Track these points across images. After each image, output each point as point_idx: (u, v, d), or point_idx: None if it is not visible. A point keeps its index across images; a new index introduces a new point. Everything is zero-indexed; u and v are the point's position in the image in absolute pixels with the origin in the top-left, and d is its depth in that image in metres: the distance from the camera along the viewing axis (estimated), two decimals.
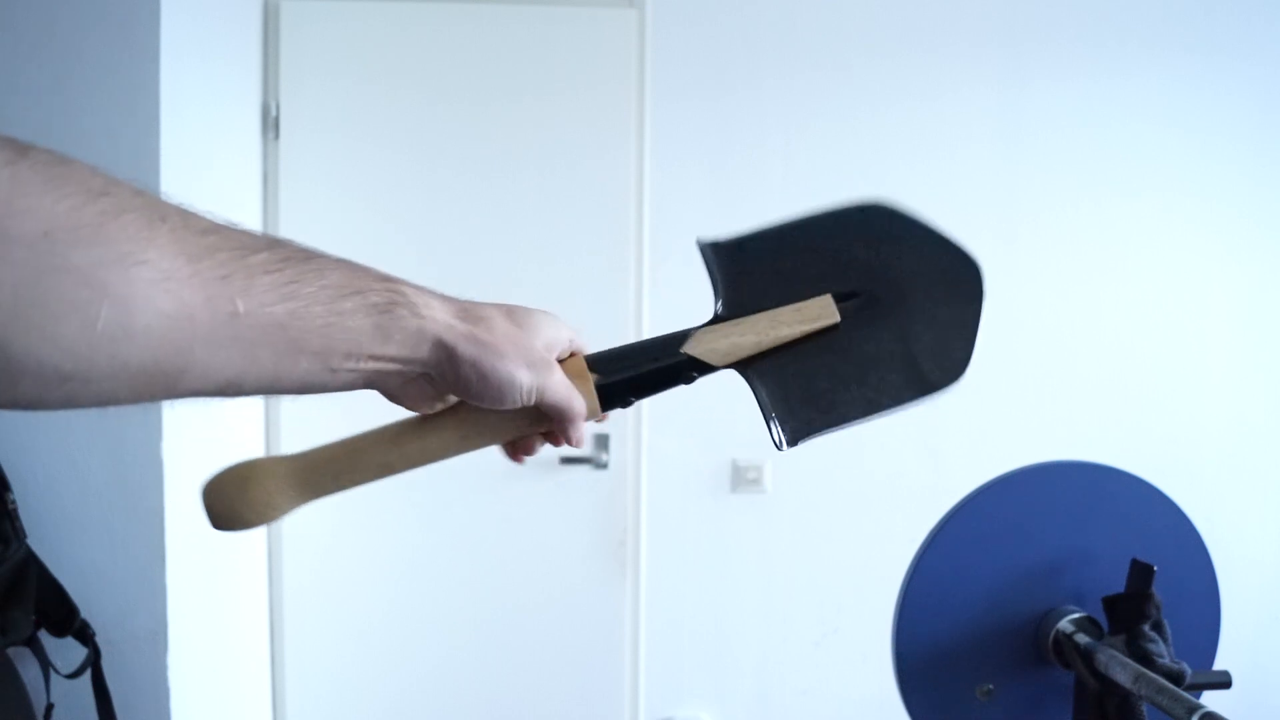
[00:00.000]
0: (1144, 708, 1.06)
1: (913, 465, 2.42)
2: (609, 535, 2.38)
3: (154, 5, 1.58)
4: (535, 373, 0.55)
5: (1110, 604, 1.11)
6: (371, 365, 0.50)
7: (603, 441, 2.36)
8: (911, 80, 2.43)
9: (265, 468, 0.57)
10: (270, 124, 2.28)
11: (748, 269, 0.70)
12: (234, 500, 0.56)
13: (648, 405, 2.33)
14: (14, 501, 1.53)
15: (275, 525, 2.36)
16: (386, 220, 2.33)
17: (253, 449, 2.22)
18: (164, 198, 0.43)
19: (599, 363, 0.62)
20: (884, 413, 0.67)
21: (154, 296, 0.41)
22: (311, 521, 2.33)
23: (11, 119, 1.56)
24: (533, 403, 0.56)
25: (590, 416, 0.61)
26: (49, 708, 1.52)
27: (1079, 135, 2.46)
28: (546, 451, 2.60)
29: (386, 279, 0.51)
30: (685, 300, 2.44)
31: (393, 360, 0.51)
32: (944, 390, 0.68)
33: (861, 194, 0.70)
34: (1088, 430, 2.46)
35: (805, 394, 0.67)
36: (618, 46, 2.35)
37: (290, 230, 2.28)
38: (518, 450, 0.63)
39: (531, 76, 2.34)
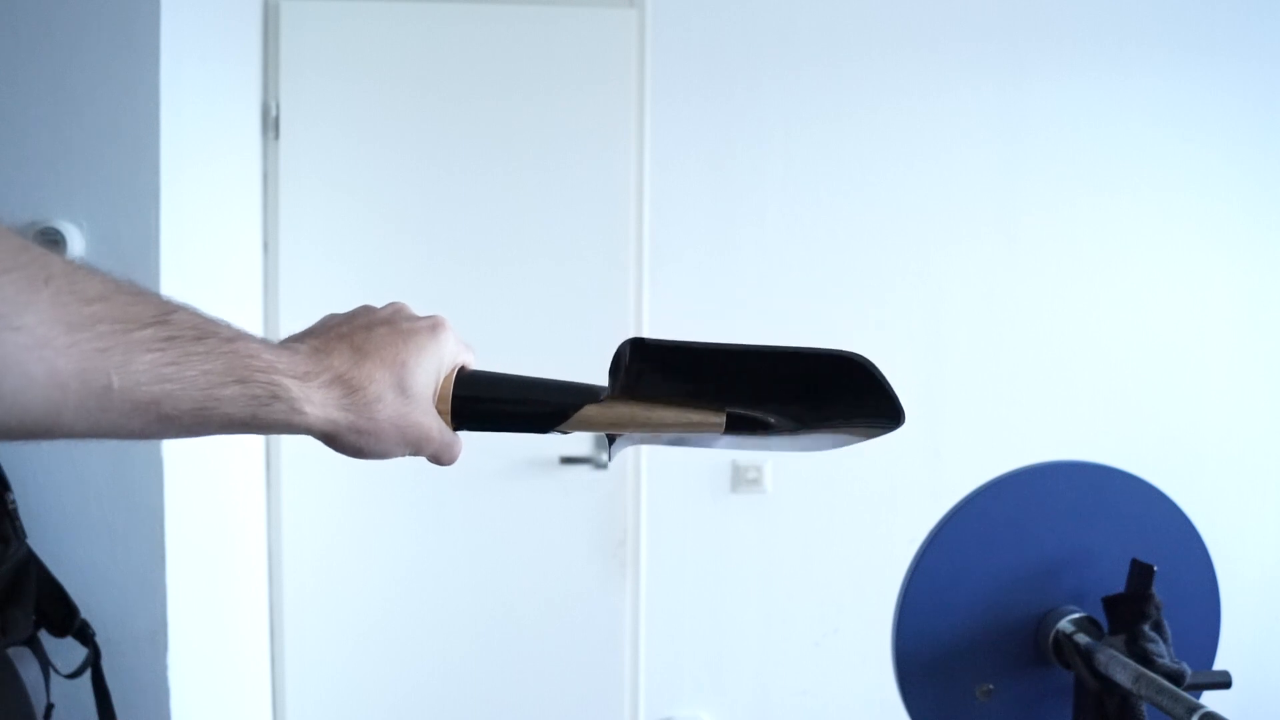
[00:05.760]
0: (1144, 708, 1.06)
1: (913, 465, 2.42)
2: (609, 535, 2.38)
3: (154, 5, 1.58)
4: (411, 447, 0.57)
5: (1110, 604, 1.12)
6: (244, 433, 0.52)
7: (603, 441, 2.36)
8: (911, 80, 2.43)
9: None
10: (270, 124, 2.28)
11: (666, 372, 0.60)
12: None
13: None
14: (14, 501, 1.52)
15: (275, 524, 2.36)
16: (386, 220, 2.33)
17: (253, 447, 2.22)
18: (52, 256, 0.43)
19: (471, 385, 0.60)
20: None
21: (25, 363, 0.40)
22: (312, 521, 2.33)
23: (11, 119, 1.56)
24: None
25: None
26: (49, 708, 1.52)
27: (1079, 135, 2.46)
28: (547, 451, 2.57)
29: (270, 369, 0.50)
30: (685, 301, 2.45)
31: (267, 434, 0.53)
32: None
33: (840, 344, 0.61)
34: (1088, 430, 2.46)
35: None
36: (618, 46, 2.35)
37: (290, 230, 2.28)
38: None
39: (531, 76, 2.34)
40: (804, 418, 0.61)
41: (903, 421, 0.60)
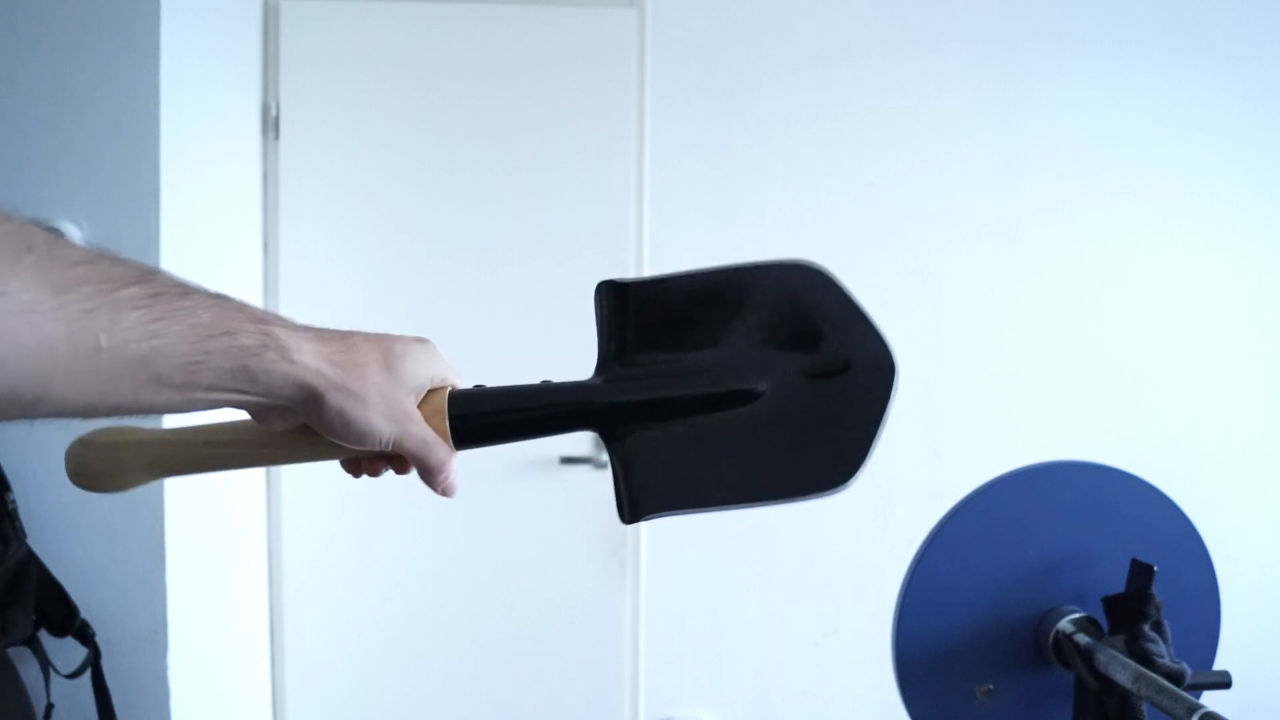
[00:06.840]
0: (1144, 708, 1.06)
1: (913, 465, 2.42)
2: (609, 535, 2.38)
3: (154, 5, 1.58)
4: (396, 425, 0.57)
5: (1110, 604, 1.11)
6: (234, 398, 0.51)
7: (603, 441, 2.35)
8: (911, 79, 2.43)
9: (130, 438, 0.59)
10: (270, 124, 2.28)
11: (645, 322, 0.62)
12: (95, 462, 0.59)
13: None
14: (14, 501, 1.52)
15: (275, 525, 2.35)
16: (386, 220, 2.33)
17: None
18: (33, 227, 0.43)
19: (464, 402, 0.60)
20: (753, 506, 0.62)
21: (14, 328, 0.40)
22: (311, 521, 2.33)
23: (11, 119, 1.56)
24: (391, 450, 0.58)
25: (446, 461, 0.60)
26: (49, 708, 1.52)
27: (1079, 135, 2.46)
28: (547, 451, 2.57)
29: (261, 319, 0.51)
30: None
31: (257, 397, 0.52)
32: (828, 494, 0.63)
33: (803, 249, 0.65)
34: (1088, 430, 2.46)
35: (673, 464, 0.62)
36: (618, 46, 2.35)
37: (290, 230, 2.28)
38: (361, 469, 0.63)
39: (531, 76, 2.34)
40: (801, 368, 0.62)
41: (890, 352, 0.64)
